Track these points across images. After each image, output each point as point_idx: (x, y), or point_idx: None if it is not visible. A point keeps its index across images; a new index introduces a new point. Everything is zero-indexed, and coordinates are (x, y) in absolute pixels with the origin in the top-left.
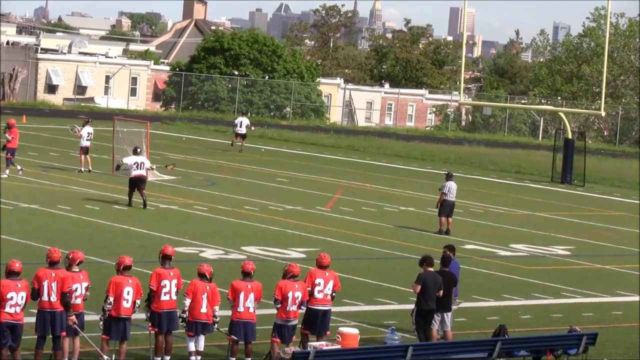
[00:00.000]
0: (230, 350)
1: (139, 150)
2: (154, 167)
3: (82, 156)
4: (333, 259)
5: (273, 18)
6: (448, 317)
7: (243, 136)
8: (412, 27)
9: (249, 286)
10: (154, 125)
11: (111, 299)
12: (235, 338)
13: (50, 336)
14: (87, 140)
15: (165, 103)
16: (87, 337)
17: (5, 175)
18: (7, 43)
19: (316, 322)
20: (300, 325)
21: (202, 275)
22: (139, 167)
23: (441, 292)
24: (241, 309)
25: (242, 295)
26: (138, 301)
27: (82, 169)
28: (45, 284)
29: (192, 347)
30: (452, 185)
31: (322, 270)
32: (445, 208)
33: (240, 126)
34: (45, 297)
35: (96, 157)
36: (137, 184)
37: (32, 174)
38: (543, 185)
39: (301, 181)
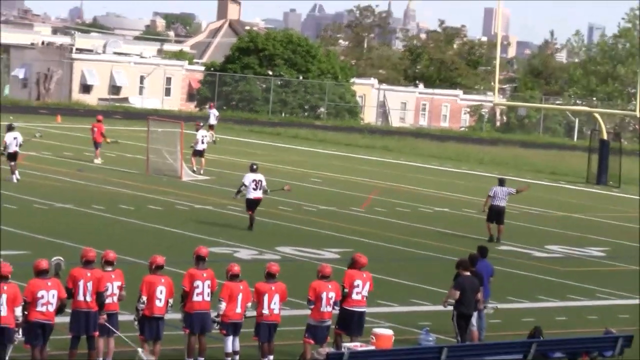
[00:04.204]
0: (261, 350)
1: (255, 167)
2: (269, 190)
3: (194, 158)
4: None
5: (307, 18)
6: (476, 317)
7: (212, 127)
8: (446, 27)
9: (273, 288)
10: (188, 126)
11: (144, 299)
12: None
13: (85, 336)
14: (202, 143)
15: (199, 103)
16: (123, 336)
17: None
18: (42, 43)
19: (351, 323)
20: (334, 326)
21: (234, 276)
22: (257, 186)
23: (479, 295)
24: (266, 311)
25: (266, 298)
26: (171, 300)
27: (195, 171)
28: (81, 283)
29: (229, 347)
30: (497, 190)
31: (360, 271)
32: (491, 214)
33: (214, 119)
34: (80, 297)
35: (130, 157)
36: (255, 205)
37: (67, 174)
38: (578, 186)
39: (335, 181)
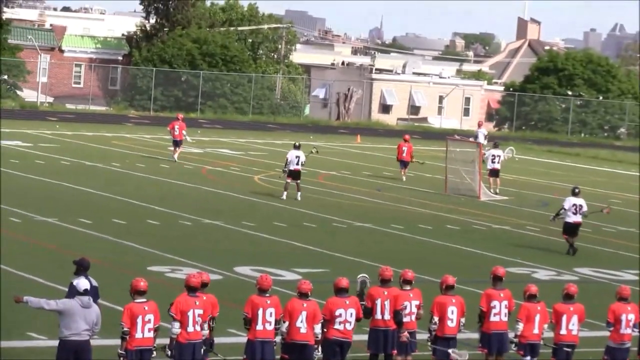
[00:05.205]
0: None
1: (577, 190)
2: (587, 214)
3: (491, 178)
4: None
5: (607, 38)
6: None
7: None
8: None
9: (571, 308)
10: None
11: (436, 319)
12: None
13: (383, 354)
14: (493, 162)
15: (498, 123)
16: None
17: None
18: (343, 63)
19: None
20: (635, 348)
21: (532, 297)
22: (577, 210)
23: None
24: (564, 331)
25: (564, 318)
26: (463, 320)
27: (491, 191)
28: (378, 302)
29: None
30: None
31: None
32: None
33: (482, 137)
34: (378, 316)
35: (429, 177)
36: (573, 230)
37: (366, 193)
38: None
39: (635, 203)
